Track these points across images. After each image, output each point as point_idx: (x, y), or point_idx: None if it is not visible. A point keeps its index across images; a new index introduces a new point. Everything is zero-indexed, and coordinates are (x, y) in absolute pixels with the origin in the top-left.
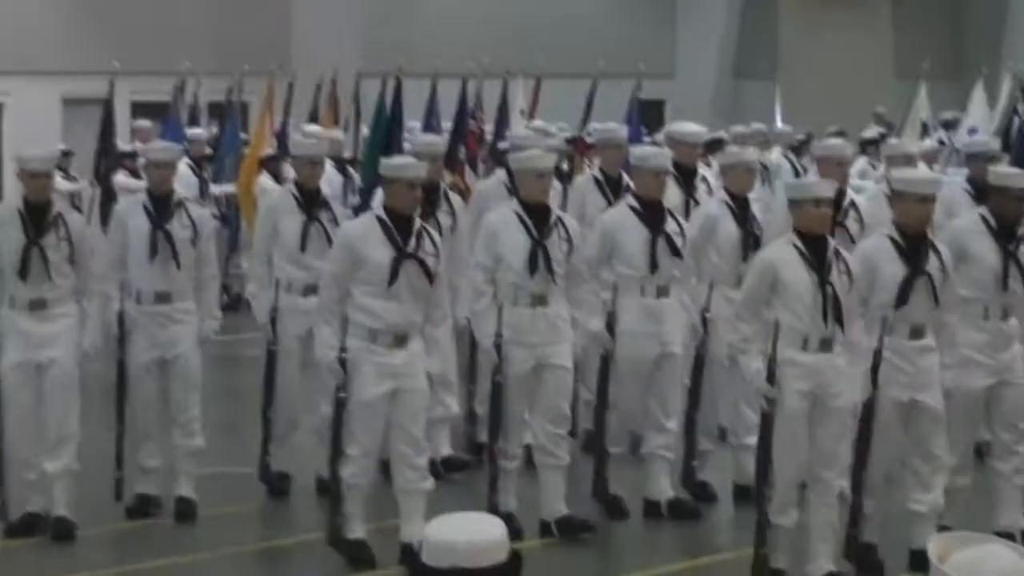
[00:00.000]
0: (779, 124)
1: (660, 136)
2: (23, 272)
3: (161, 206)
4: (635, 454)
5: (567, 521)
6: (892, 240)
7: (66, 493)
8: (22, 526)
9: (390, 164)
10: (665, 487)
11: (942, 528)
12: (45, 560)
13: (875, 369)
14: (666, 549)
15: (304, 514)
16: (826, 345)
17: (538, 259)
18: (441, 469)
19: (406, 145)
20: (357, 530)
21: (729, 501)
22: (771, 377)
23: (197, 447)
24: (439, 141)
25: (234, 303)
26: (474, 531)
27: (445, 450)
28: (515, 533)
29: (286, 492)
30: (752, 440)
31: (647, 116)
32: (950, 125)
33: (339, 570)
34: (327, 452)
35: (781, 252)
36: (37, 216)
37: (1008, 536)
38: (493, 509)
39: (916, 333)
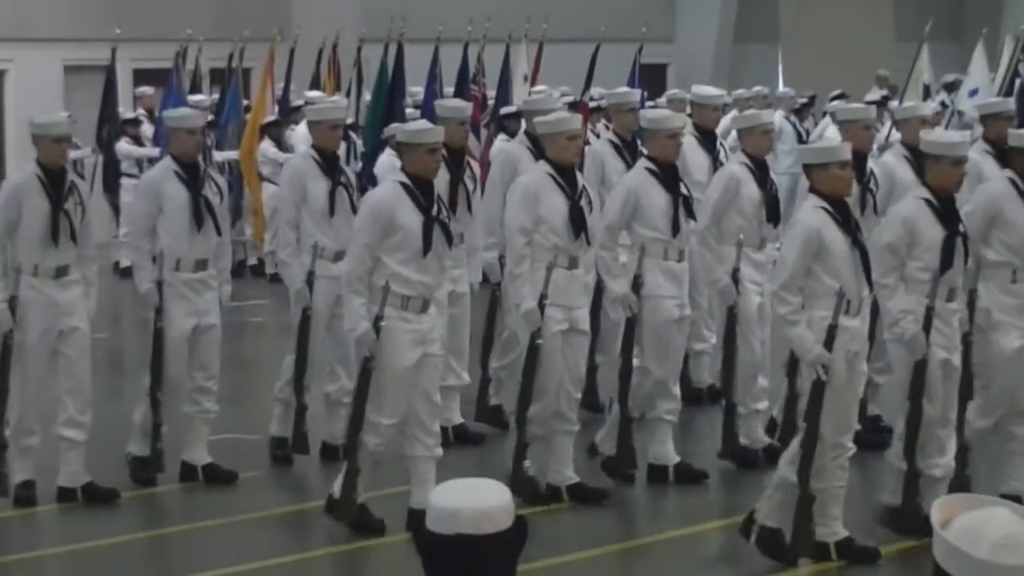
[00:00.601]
0: (781, 87)
1: (662, 100)
2: (55, 238)
3: (194, 173)
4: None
5: (579, 488)
6: (928, 202)
7: (82, 459)
8: (26, 496)
9: (410, 130)
10: (671, 452)
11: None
12: (48, 529)
13: (927, 329)
14: (672, 515)
15: (311, 480)
16: (861, 307)
17: (579, 220)
18: (451, 437)
19: (409, 111)
20: (360, 495)
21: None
22: (829, 344)
23: (215, 412)
24: (465, 105)
25: (239, 270)
26: (479, 497)
27: (456, 418)
28: (538, 498)
29: (289, 459)
30: (761, 406)
31: (649, 80)
32: (952, 87)
33: (349, 535)
34: (345, 421)
35: (817, 217)
36: (57, 182)
37: (1015, 499)
38: (519, 475)
39: (952, 295)
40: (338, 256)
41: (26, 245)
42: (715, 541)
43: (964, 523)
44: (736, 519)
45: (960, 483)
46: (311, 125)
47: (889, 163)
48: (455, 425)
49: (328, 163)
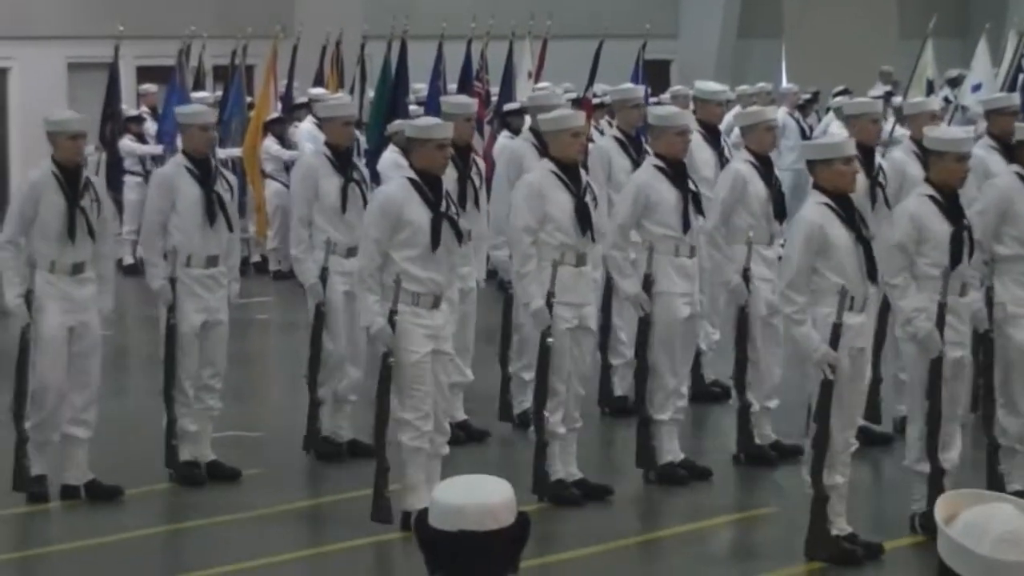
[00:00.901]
0: (784, 83)
1: (666, 96)
2: (72, 235)
3: (206, 169)
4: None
5: (583, 484)
6: (933, 199)
7: (86, 456)
8: (40, 492)
9: (419, 125)
10: (676, 449)
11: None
12: (53, 526)
13: (941, 326)
14: (677, 511)
15: (315, 476)
16: (866, 303)
17: (584, 217)
18: (462, 435)
19: (412, 108)
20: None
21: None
22: (835, 342)
23: (219, 410)
24: (471, 101)
25: (242, 266)
26: (482, 494)
27: (460, 415)
28: (570, 500)
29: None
30: (772, 404)
31: (652, 76)
32: (955, 83)
33: (353, 532)
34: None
35: (819, 213)
36: (72, 179)
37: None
38: (541, 476)
39: (964, 290)
40: (351, 252)
41: (43, 242)
42: (720, 537)
43: (968, 519)
44: (741, 515)
45: (994, 481)
46: (323, 122)
47: (899, 159)
48: (458, 422)
49: (340, 160)
